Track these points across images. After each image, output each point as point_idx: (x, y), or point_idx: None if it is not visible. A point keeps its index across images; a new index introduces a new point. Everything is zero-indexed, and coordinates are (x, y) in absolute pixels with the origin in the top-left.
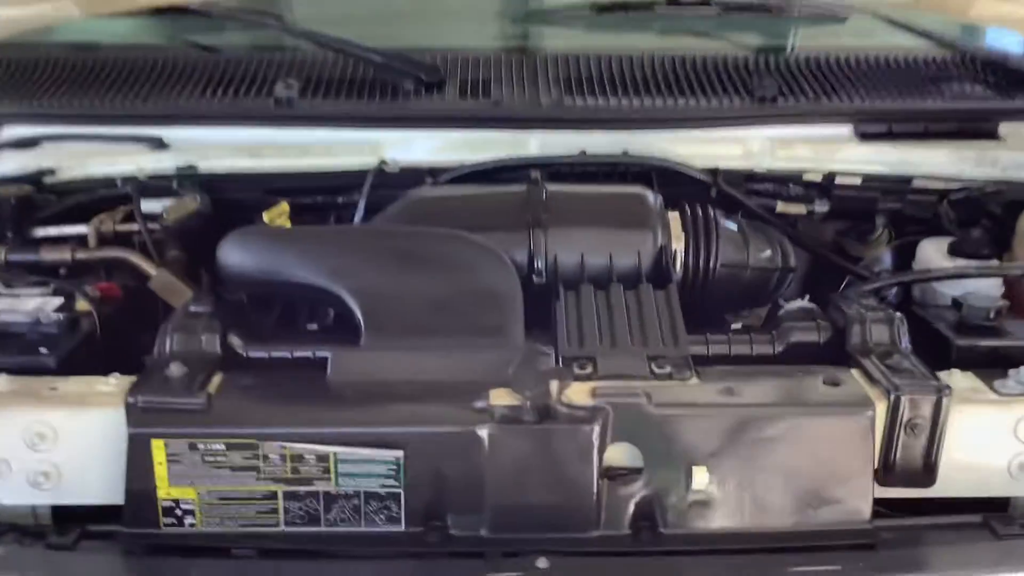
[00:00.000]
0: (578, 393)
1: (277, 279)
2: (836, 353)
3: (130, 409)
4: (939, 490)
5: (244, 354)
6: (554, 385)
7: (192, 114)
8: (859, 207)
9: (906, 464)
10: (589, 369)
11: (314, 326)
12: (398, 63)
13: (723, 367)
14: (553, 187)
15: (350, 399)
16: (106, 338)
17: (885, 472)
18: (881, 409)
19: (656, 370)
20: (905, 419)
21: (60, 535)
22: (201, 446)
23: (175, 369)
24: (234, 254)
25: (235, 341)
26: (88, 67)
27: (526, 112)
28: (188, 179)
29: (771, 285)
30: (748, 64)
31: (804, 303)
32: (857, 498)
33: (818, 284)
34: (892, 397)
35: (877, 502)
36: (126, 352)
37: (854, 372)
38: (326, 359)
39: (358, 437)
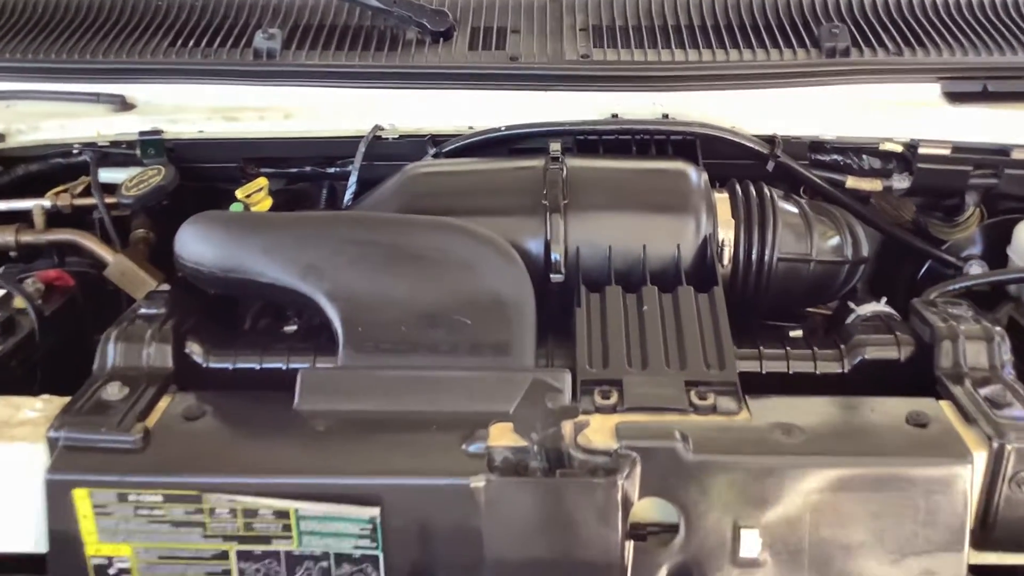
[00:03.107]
0: (598, 433)
1: (241, 277)
2: (919, 374)
3: (51, 446)
4: None
5: (204, 364)
6: (568, 425)
7: (159, 69)
8: (947, 182)
9: (1010, 525)
10: (613, 398)
11: (294, 327)
12: (399, 8)
13: (779, 398)
14: (576, 161)
15: (317, 438)
16: (56, 339)
17: (983, 534)
18: (981, 458)
19: (696, 401)
20: (1010, 472)
21: None
22: (133, 497)
23: (112, 391)
24: (192, 245)
25: (194, 348)
26: (42, 12)
27: (547, 68)
28: (153, 146)
29: (839, 280)
30: (815, 8)
31: (880, 306)
32: (947, 568)
33: (894, 273)
34: (995, 445)
35: (972, 570)
36: (86, 355)
37: (944, 406)
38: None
39: (324, 489)
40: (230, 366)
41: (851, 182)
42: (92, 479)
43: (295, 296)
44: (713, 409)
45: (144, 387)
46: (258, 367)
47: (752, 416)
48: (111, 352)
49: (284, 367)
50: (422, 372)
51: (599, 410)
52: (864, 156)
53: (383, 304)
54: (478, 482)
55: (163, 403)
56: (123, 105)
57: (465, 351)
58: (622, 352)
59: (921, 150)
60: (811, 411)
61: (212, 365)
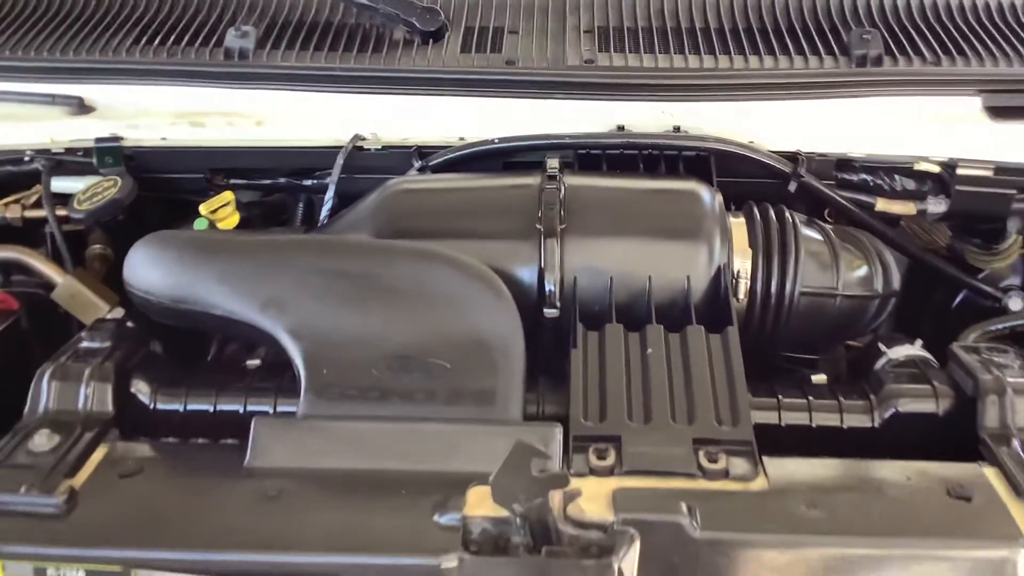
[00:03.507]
0: (592, 502)
1: (194, 309)
2: (959, 429)
3: None
4: None
5: (151, 406)
6: (557, 493)
7: (120, 68)
8: (987, 206)
9: None
10: (611, 458)
11: (257, 361)
12: (386, 5)
13: (800, 461)
14: (576, 179)
15: (267, 503)
16: None
17: None
18: None
19: (706, 464)
20: None
21: None
22: (51, 572)
23: (40, 441)
24: (141, 270)
25: (141, 387)
26: None
27: (547, 73)
28: (110, 154)
29: (867, 315)
30: (844, 11)
31: (914, 350)
32: None
33: (924, 302)
34: None
35: None
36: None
37: (990, 474)
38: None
39: (272, 567)
40: (180, 408)
41: (881, 204)
42: (6, 550)
43: (254, 332)
44: (725, 474)
45: (79, 435)
46: (212, 409)
47: (770, 482)
48: (44, 392)
49: (241, 410)
50: (393, 424)
51: (594, 472)
52: (896, 176)
53: (351, 343)
54: (450, 562)
55: (97, 455)
56: (81, 108)
57: (443, 400)
58: (622, 403)
59: (960, 170)
60: (838, 477)
61: (160, 407)
